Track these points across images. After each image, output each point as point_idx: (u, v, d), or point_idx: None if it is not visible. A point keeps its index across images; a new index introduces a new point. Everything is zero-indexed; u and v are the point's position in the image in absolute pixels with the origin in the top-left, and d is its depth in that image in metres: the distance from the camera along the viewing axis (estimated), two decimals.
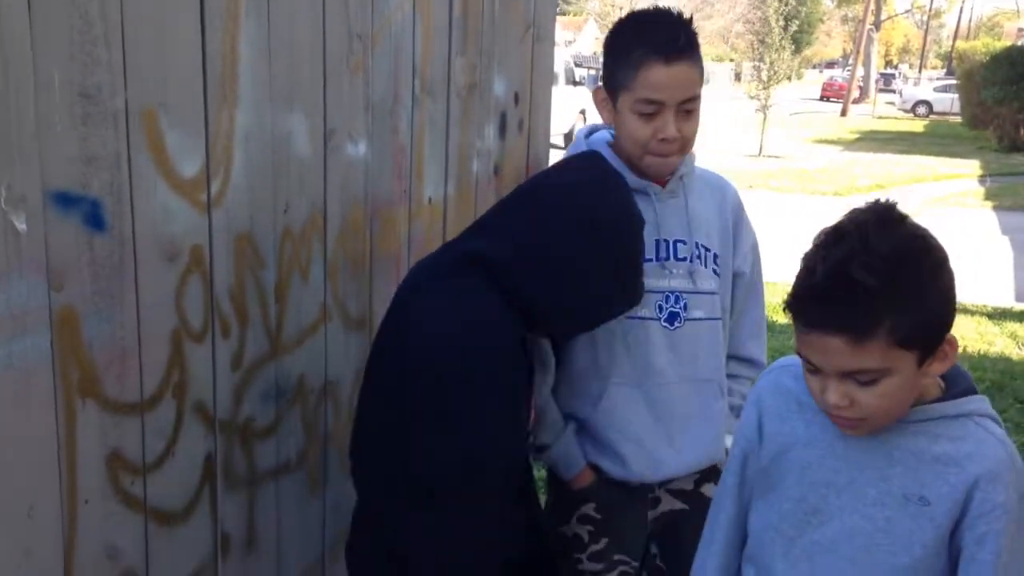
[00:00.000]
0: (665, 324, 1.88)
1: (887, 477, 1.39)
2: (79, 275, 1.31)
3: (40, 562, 1.30)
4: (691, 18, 1.81)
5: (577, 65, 23.18)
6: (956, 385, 1.42)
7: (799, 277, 1.32)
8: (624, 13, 1.94)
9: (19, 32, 1.18)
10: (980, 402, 1.41)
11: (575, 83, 18.89)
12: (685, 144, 1.82)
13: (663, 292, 1.86)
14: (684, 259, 1.89)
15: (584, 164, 1.71)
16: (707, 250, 1.92)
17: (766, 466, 1.53)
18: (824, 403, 1.35)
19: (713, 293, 1.91)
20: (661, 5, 2.04)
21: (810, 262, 1.31)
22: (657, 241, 1.88)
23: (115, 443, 1.41)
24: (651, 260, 1.86)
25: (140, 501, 1.47)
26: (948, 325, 1.32)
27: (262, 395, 1.70)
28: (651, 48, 1.72)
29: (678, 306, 1.90)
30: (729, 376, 2.00)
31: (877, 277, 1.24)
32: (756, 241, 2.04)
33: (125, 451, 1.43)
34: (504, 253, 1.55)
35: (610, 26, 1.92)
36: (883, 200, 1.33)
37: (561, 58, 18.44)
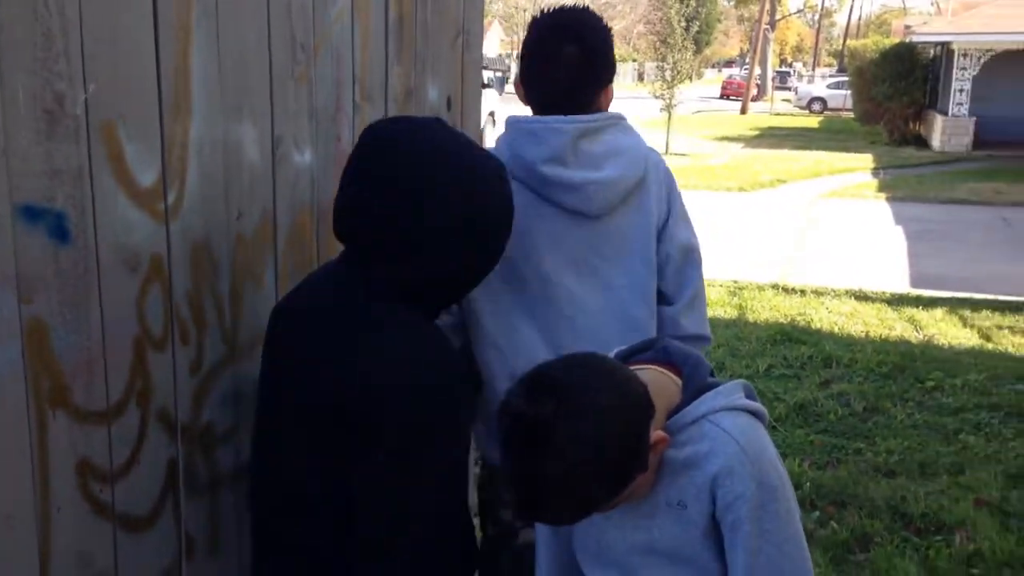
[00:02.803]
0: None
1: (654, 491, 1.49)
2: (46, 287, 1.33)
3: (18, 570, 1.32)
4: None
5: (483, 68, 23.22)
6: (688, 388, 1.51)
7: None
8: (528, 15, 2.05)
9: None
10: (712, 399, 1.48)
11: (483, 86, 18.97)
12: None
13: None
14: None
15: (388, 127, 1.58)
16: None
17: None
18: None
19: None
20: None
21: (507, 491, 1.43)
22: None
23: (84, 451, 1.43)
24: None
25: (109, 508, 1.49)
26: (645, 453, 1.40)
27: (221, 400, 1.73)
28: None
29: None
30: None
31: (564, 498, 1.36)
32: None
33: (93, 459, 1.45)
34: (404, 271, 1.50)
35: (515, 28, 2.05)
36: (533, 394, 1.35)
37: None
